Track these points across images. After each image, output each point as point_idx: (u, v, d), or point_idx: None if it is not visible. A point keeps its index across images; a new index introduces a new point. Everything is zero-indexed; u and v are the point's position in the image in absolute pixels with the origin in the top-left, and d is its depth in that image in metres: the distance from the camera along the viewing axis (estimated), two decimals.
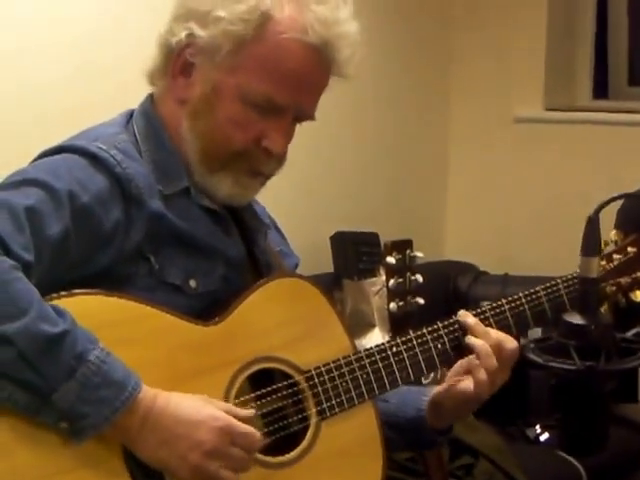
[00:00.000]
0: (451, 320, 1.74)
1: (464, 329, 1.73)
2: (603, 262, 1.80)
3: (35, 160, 1.61)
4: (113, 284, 1.53)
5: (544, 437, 3.00)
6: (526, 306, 1.79)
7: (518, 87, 3.83)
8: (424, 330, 1.73)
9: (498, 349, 1.69)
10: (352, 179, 3.59)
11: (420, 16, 3.81)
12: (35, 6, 2.55)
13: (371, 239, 3.15)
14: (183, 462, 1.46)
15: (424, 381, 1.81)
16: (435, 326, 1.73)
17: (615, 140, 3.66)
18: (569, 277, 1.80)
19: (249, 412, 1.54)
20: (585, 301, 1.29)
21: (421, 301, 1.79)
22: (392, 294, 1.78)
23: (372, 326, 2.83)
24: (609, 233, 1.83)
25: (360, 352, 1.68)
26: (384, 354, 1.69)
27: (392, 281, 1.78)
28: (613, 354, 1.27)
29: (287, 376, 1.63)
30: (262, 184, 1.68)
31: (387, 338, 1.73)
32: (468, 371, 1.72)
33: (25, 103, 2.53)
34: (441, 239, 4.00)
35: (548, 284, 1.81)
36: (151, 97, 1.70)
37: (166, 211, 1.59)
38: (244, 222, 1.74)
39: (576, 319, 1.28)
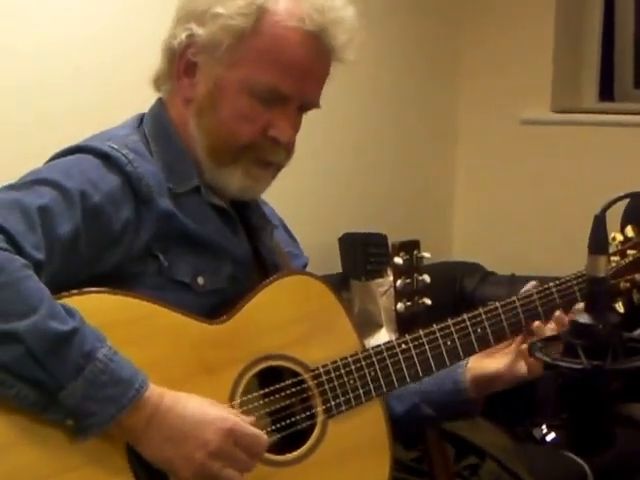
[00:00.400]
0: (460, 318, 1.75)
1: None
2: (617, 258, 1.80)
3: (49, 161, 1.63)
4: (122, 282, 1.54)
5: (550, 437, 3.00)
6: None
7: (525, 89, 3.83)
8: (434, 327, 1.73)
9: None
10: (360, 181, 3.59)
11: (428, 17, 3.81)
12: (37, 3, 2.55)
13: (379, 240, 3.16)
14: (188, 461, 1.47)
15: None
16: (445, 324, 1.74)
17: (621, 141, 3.66)
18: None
19: (251, 419, 1.55)
20: (593, 300, 1.30)
21: (428, 301, 1.79)
22: (399, 294, 1.78)
23: (379, 326, 2.82)
24: (616, 231, 1.83)
25: (368, 350, 1.68)
26: (392, 352, 1.69)
27: (399, 282, 1.78)
28: (620, 354, 1.27)
29: (294, 374, 1.64)
30: (273, 176, 1.69)
31: (394, 338, 1.73)
32: (521, 355, 1.77)
33: (27, 102, 2.53)
34: (448, 240, 4.00)
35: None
36: (160, 101, 1.72)
37: (175, 210, 1.60)
38: (250, 221, 1.75)
39: (584, 318, 1.28)
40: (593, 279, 1.29)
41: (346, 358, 1.66)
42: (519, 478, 2.53)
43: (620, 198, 1.32)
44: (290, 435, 1.63)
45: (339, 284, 3.01)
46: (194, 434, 1.47)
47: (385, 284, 1.84)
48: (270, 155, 1.65)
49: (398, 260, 1.78)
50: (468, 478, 2.51)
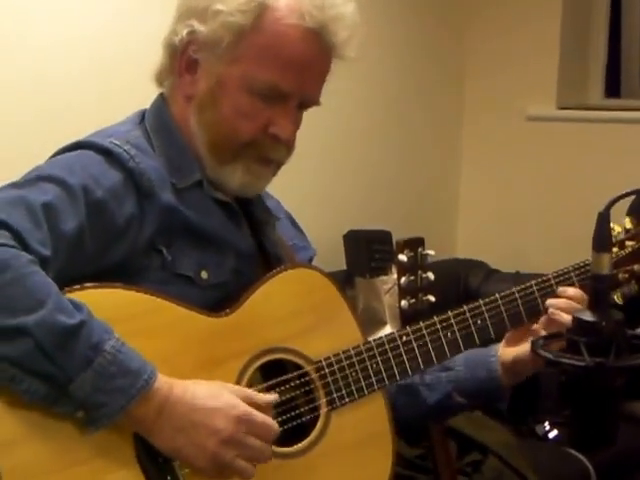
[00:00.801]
0: (461, 310, 1.76)
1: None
2: (616, 249, 1.80)
3: (52, 157, 1.63)
4: (127, 277, 1.55)
5: (553, 434, 3.00)
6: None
7: (531, 85, 3.83)
8: (435, 319, 1.74)
9: None
10: (365, 178, 3.59)
11: (434, 13, 3.81)
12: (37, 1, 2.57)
13: (383, 237, 3.16)
14: (199, 450, 1.48)
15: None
16: (445, 315, 1.75)
17: (627, 138, 3.66)
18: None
19: (270, 398, 1.56)
20: (596, 297, 1.30)
21: (432, 299, 1.79)
22: (403, 292, 1.78)
23: (383, 323, 2.82)
24: (615, 222, 1.83)
25: (370, 342, 1.69)
26: (394, 344, 1.70)
27: (404, 279, 1.78)
28: (623, 351, 1.27)
29: (297, 366, 1.65)
30: (273, 173, 1.70)
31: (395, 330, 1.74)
32: None
33: (28, 100, 2.54)
34: (453, 237, 4.00)
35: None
36: (162, 96, 1.72)
37: (178, 204, 1.60)
38: (254, 215, 1.76)
39: (586, 315, 1.29)
40: (597, 276, 1.29)
41: (348, 350, 1.67)
42: (521, 474, 2.53)
43: (625, 195, 1.32)
44: (293, 428, 1.63)
45: (343, 281, 3.01)
46: (204, 422, 1.47)
47: (389, 281, 1.85)
48: (271, 152, 1.66)
49: (402, 257, 1.78)
50: (471, 474, 2.51)
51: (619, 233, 1.83)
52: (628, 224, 1.84)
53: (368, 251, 3.08)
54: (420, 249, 1.79)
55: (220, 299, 1.63)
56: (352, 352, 1.67)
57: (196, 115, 1.66)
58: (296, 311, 1.66)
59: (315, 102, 1.69)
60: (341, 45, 1.65)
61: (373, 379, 1.68)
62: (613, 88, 3.98)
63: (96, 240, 1.52)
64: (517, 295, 1.79)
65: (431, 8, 3.80)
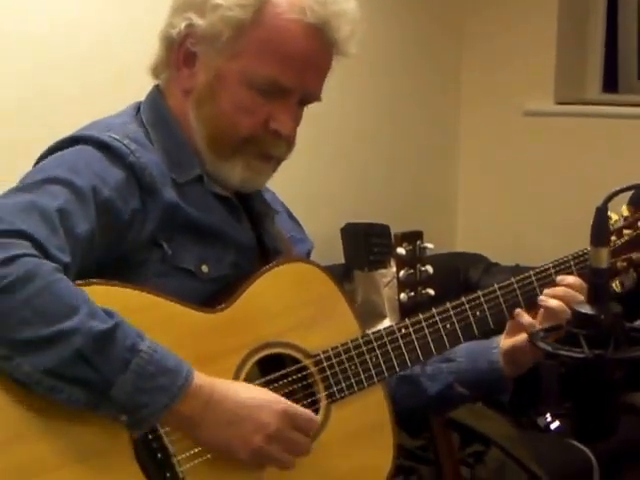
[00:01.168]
0: (459, 301, 1.75)
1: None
2: (613, 237, 1.81)
3: (48, 152, 1.61)
4: (126, 271, 1.55)
5: (554, 425, 3.01)
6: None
7: (528, 80, 3.83)
8: (433, 311, 1.74)
9: None
10: (362, 171, 3.60)
11: (431, 8, 3.81)
12: None
13: (382, 230, 3.17)
14: (245, 444, 1.49)
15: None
16: (444, 307, 1.75)
17: (625, 133, 3.66)
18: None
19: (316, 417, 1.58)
20: (595, 291, 1.30)
21: (431, 292, 1.79)
22: (402, 285, 1.78)
23: (383, 317, 2.83)
24: (612, 211, 1.83)
25: (368, 335, 1.69)
26: (393, 336, 1.69)
27: (402, 272, 1.78)
28: (622, 343, 1.28)
29: (296, 361, 1.64)
30: (274, 169, 1.69)
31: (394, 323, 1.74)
32: None
33: (26, 92, 2.55)
34: (452, 230, 4.01)
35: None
36: (157, 88, 1.71)
37: (179, 199, 1.60)
38: (253, 209, 1.75)
39: (586, 309, 1.29)
40: (595, 270, 1.30)
41: (347, 343, 1.66)
42: (523, 465, 2.53)
43: (622, 190, 1.32)
44: None
45: (342, 275, 3.02)
46: (251, 417, 1.49)
47: (388, 275, 1.85)
48: (271, 148, 1.65)
49: (401, 251, 1.78)
50: (473, 465, 2.51)
51: (616, 221, 1.83)
52: (625, 212, 1.84)
53: (366, 244, 3.08)
54: (419, 242, 1.79)
55: (219, 292, 1.63)
56: (350, 345, 1.66)
57: (195, 109, 1.65)
58: (293, 305, 1.65)
59: (316, 98, 1.68)
60: (343, 41, 1.64)
61: (372, 372, 1.67)
62: (611, 83, 3.99)
63: (104, 239, 1.52)
64: (516, 285, 1.79)
65: (428, 4, 3.80)
